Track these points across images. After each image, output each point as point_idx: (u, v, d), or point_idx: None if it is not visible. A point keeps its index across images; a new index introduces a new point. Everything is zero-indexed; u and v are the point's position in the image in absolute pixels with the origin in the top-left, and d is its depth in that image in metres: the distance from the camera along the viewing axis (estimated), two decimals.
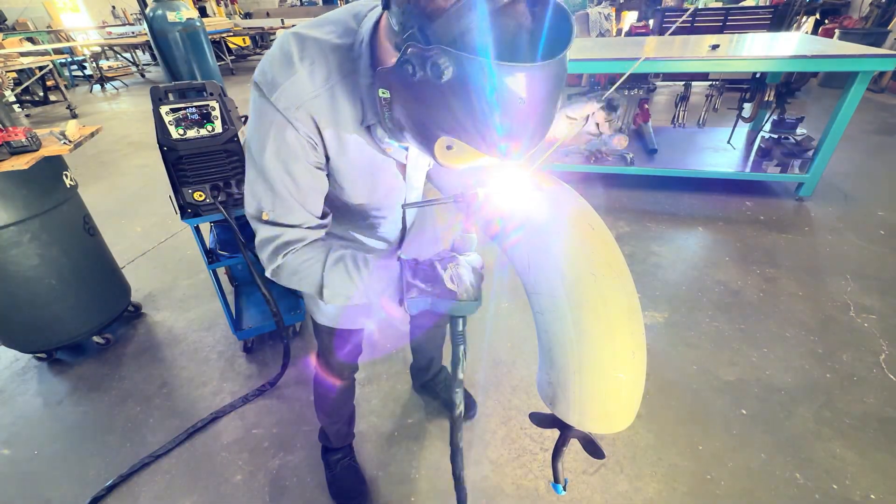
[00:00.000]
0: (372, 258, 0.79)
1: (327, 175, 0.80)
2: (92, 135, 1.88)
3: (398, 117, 0.61)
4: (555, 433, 0.87)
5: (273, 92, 0.67)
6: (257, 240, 0.79)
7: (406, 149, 0.83)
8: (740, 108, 3.54)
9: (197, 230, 1.73)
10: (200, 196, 1.61)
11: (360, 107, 0.72)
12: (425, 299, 0.72)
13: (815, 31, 6.30)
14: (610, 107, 0.75)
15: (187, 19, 4.66)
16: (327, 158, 0.77)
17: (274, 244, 0.77)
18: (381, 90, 0.60)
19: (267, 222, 0.76)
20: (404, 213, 0.99)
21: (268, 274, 0.80)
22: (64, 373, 2.01)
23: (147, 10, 4.66)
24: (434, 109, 0.54)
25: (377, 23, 0.66)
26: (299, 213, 0.76)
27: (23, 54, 6.82)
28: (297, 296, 2.15)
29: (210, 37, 5.35)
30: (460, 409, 0.88)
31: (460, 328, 0.77)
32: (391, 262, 0.79)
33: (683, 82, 3.75)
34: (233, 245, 1.87)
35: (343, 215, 0.94)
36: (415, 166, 0.88)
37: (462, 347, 0.79)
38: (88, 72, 9.60)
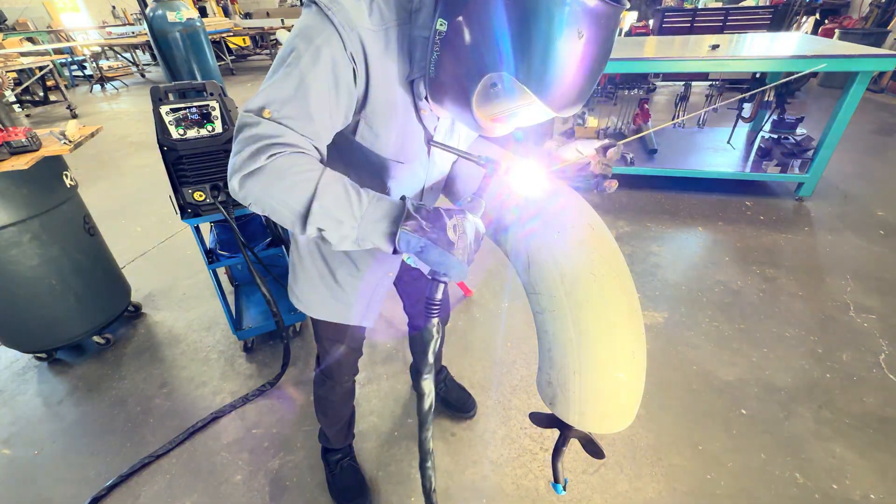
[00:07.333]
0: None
1: (358, 122, 0.78)
2: (92, 135, 1.88)
3: (447, 59, 0.63)
4: (555, 433, 0.87)
5: (332, 6, 0.66)
6: (245, 135, 0.66)
7: (437, 119, 0.83)
8: (740, 108, 3.54)
9: (197, 230, 1.74)
10: (200, 196, 1.61)
11: (408, 60, 0.72)
12: (420, 239, 0.64)
13: (814, 31, 6.31)
14: (603, 149, 0.77)
15: (187, 19, 4.65)
16: (363, 101, 0.74)
17: (265, 142, 0.65)
18: (439, 21, 0.62)
19: (269, 119, 0.66)
20: (422, 193, 0.97)
21: (236, 181, 0.66)
22: (64, 373, 2.01)
23: (147, 10, 4.65)
24: (493, 34, 0.57)
25: None
26: (308, 127, 0.68)
27: (23, 54, 6.82)
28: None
29: (210, 37, 5.35)
30: (430, 399, 0.77)
31: (438, 296, 0.69)
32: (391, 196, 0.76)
33: (683, 82, 3.76)
34: (233, 245, 1.87)
35: (362, 178, 0.87)
36: (441, 142, 0.88)
37: (436, 321, 0.71)
38: (88, 72, 9.62)
